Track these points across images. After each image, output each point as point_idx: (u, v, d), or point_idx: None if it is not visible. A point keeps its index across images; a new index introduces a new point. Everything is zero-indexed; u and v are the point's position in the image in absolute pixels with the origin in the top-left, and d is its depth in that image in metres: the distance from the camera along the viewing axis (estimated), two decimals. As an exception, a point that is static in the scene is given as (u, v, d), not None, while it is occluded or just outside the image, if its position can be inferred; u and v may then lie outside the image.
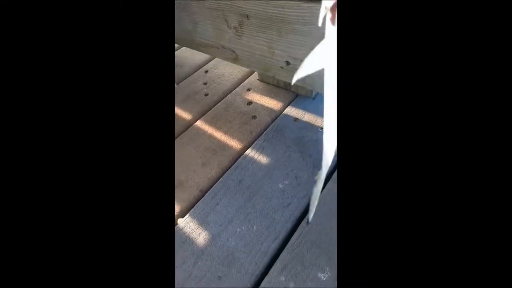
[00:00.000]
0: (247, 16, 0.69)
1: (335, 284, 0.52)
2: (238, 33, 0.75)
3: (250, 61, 0.80)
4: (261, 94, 0.90)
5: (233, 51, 0.81)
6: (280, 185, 0.67)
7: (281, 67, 0.74)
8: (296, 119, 0.80)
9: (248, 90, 0.92)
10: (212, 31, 0.80)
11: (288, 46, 0.68)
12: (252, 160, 0.72)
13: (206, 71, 1.02)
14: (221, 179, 0.69)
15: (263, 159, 0.73)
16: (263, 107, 0.86)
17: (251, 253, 0.57)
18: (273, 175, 0.69)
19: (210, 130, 0.81)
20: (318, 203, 0.60)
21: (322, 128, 0.79)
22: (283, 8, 0.61)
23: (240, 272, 0.54)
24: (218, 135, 0.79)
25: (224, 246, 0.58)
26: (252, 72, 0.98)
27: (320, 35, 0.59)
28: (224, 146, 0.77)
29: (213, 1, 0.72)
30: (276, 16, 0.63)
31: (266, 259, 0.56)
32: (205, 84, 0.97)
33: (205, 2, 0.74)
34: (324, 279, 0.52)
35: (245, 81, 0.96)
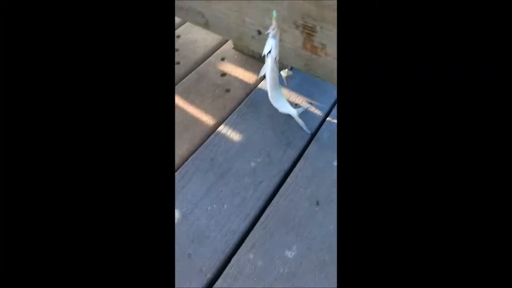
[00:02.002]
0: (214, -21, 0.62)
1: (300, 261, 0.54)
2: (206, -3, 0.68)
3: (221, 28, 0.74)
4: (235, 65, 0.85)
5: (203, 15, 0.74)
6: (252, 164, 0.66)
7: (253, 37, 0.69)
8: (270, 92, 0.77)
9: (222, 59, 0.87)
10: (178, -7, 0.73)
11: (258, 14, 0.62)
12: (224, 137, 0.71)
13: (178, 36, 0.95)
14: (192, 156, 0.67)
15: (235, 136, 0.71)
16: (237, 79, 0.82)
17: (221, 231, 0.58)
18: (246, 153, 0.68)
19: (181, 103, 0.78)
20: (289, 184, 0.61)
21: (296, 105, 0.76)
22: (251, -29, 0.54)
23: (210, 250, 0.55)
24: (190, 109, 0.76)
25: (194, 224, 0.58)
26: (227, 40, 0.91)
27: (288, 3, 0.54)
28: (196, 122, 0.74)
29: (176, -41, 0.64)
30: (245, -20, 0.57)
31: (236, 238, 0.57)
32: (176, 51, 0.91)
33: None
34: (291, 257, 0.54)
35: (219, 50, 0.90)
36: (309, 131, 0.71)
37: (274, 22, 0.55)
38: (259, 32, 0.66)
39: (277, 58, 0.59)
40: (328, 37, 0.56)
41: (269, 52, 0.58)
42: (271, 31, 0.56)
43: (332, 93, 0.79)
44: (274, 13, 0.55)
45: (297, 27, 0.59)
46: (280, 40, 0.59)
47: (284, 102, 0.70)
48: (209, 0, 0.68)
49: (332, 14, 0.52)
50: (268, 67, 0.61)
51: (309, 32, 0.58)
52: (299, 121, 0.71)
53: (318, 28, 0.56)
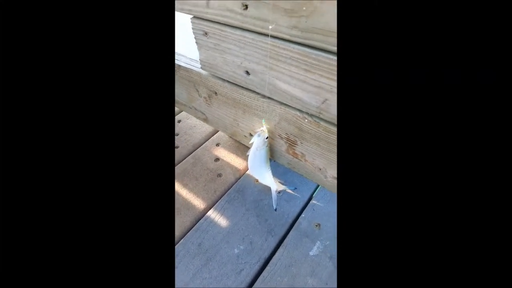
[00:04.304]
0: (216, 93, 0.75)
1: None
2: (207, 102, 0.81)
3: (218, 124, 0.86)
4: (228, 150, 0.97)
5: (204, 113, 0.87)
6: (236, 250, 0.73)
7: (245, 136, 0.81)
8: (257, 180, 0.87)
9: (217, 145, 0.98)
10: (185, 94, 0.86)
11: (251, 123, 0.74)
12: (213, 222, 0.78)
13: (179, 121, 1.07)
14: (181, 241, 0.74)
15: (223, 221, 0.78)
16: (229, 165, 0.92)
17: (202, 320, 0.62)
18: (230, 239, 0.75)
19: (176, 186, 0.86)
20: (268, 272, 0.67)
21: (279, 192, 0.86)
22: (244, 96, 0.68)
23: None
24: (184, 192, 0.84)
25: (178, 311, 0.63)
26: (223, 125, 1.04)
27: (278, 119, 0.66)
28: (187, 205, 0.82)
29: (185, 72, 0.78)
30: (240, 100, 0.70)
31: (215, 327, 0.61)
32: (176, 135, 1.02)
33: (179, 70, 0.80)
34: None
35: (215, 135, 1.02)
36: (275, 207, 0.80)
37: (263, 126, 0.68)
38: (251, 134, 0.78)
39: (267, 139, 0.70)
40: (307, 149, 0.68)
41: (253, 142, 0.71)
42: (259, 131, 0.69)
43: (311, 184, 0.89)
44: (264, 121, 0.69)
45: (281, 138, 0.71)
46: (269, 144, 0.71)
47: (267, 174, 0.77)
48: (210, 106, 0.81)
49: (311, 137, 0.64)
50: (254, 146, 0.71)
51: (291, 143, 0.70)
52: (274, 196, 0.79)
53: (298, 142, 0.68)
